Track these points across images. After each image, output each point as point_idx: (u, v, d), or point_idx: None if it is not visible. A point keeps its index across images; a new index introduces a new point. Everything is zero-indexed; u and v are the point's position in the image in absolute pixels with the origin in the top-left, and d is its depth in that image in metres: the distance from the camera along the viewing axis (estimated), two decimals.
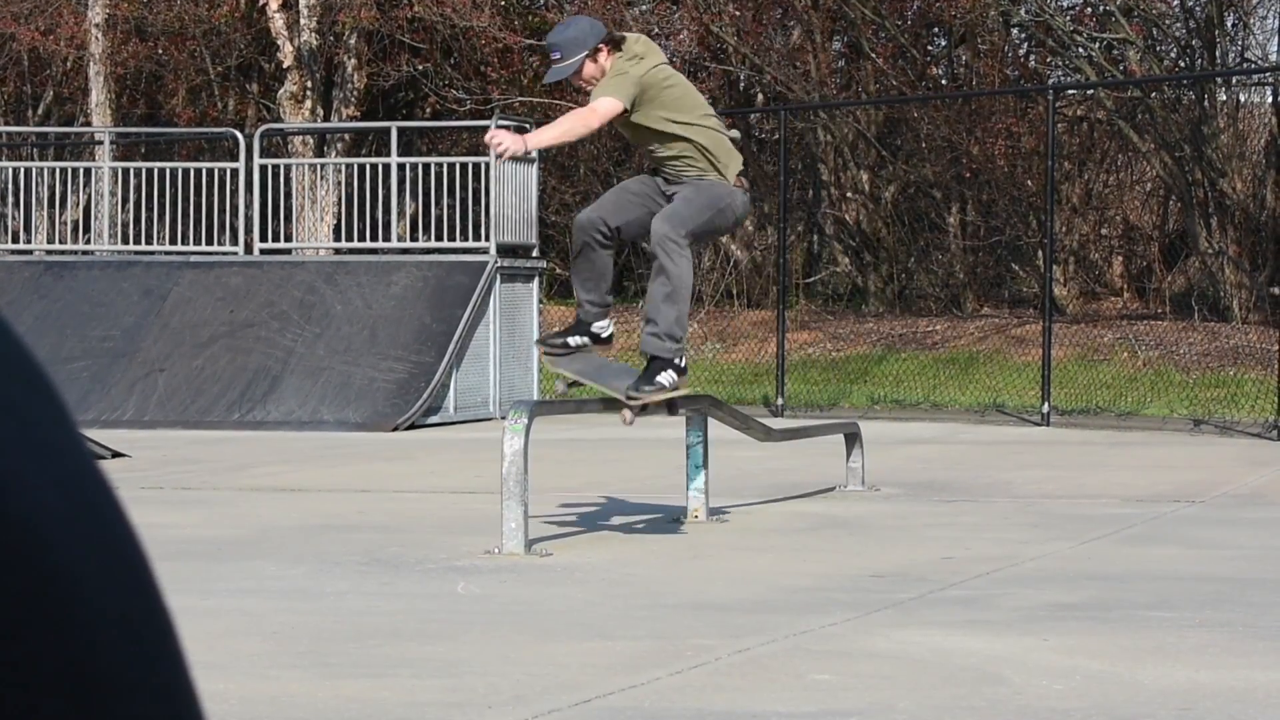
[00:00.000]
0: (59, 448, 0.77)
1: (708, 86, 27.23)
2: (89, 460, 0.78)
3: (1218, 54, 24.74)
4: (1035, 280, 23.96)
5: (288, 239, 21.57)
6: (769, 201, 25.67)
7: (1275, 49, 26.64)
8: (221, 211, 20.97)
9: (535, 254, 20.00)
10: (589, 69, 9.19)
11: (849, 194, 26.44)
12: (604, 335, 9.52)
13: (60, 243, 21.75)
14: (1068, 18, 25.44)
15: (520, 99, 27.41)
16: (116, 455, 13.88)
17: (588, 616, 6.84)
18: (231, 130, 22.59)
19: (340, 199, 23.19)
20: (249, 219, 20.63)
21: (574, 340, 9.49)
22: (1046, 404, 18.53)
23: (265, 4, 27.05)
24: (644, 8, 28.05)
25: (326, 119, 27.56)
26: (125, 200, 21.54)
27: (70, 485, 0.76)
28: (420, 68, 28.46)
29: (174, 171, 21.26)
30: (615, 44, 9.25)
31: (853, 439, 11.72)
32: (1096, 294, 25.10)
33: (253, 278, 19.25)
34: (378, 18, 27.17)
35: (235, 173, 20.85)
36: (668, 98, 9.22)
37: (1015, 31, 26.99)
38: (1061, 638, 6.38)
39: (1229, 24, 24.85)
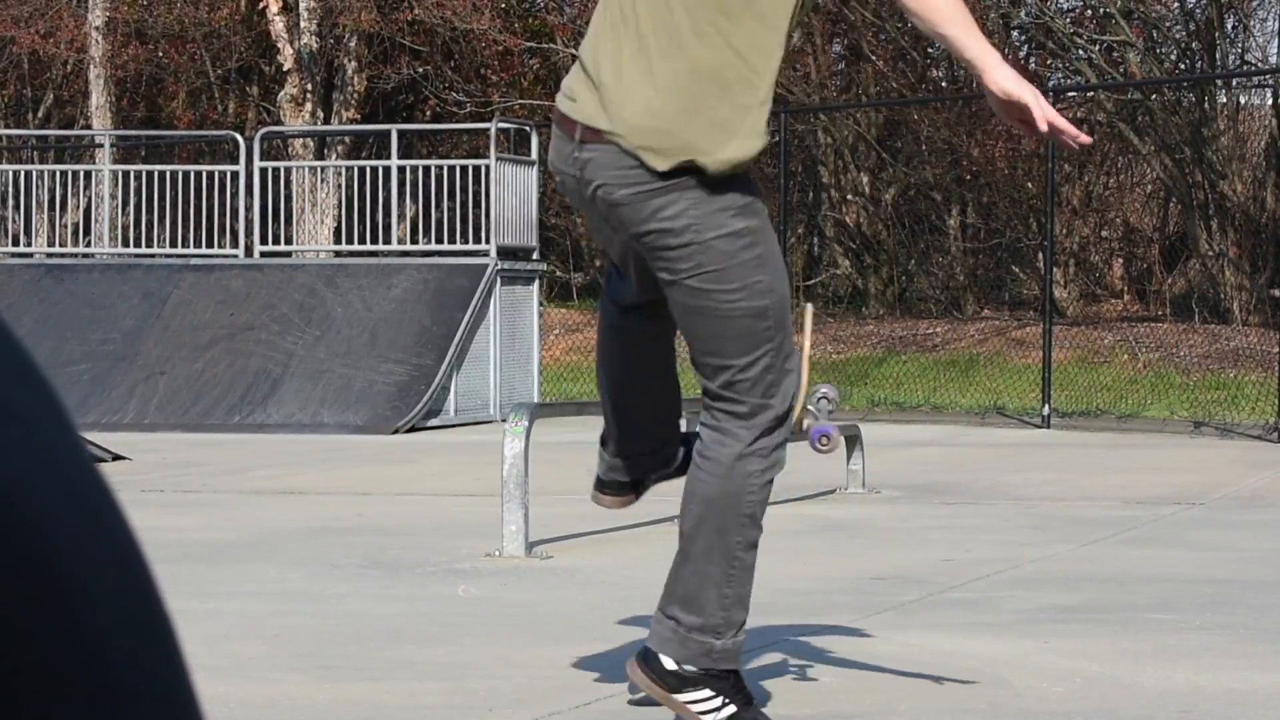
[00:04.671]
0: (63, 452, 0.77)
1: None
2: (91, 465, 0.78)
3: (1217, 56, 24.74)
4: (1035, 282, 23.95)
5: (288, 242, 21.57)
6: (769, 204, 25.67)
7: (1275, 51, 26.68)
8: (222, 214, 20.97)
9: (535, 256, 20.00)
10: None
11: (849, 196, 26.45)
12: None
13: (60, 246, 21.76)
14: (1067, 20, 25.45)
15: (520, 102, 27.41)
16: (117, 458, 13.87)
17: (589, 619, 6.84)
18: (232, 133, 22.59)
19: (340, 202, 23.20)
20: (249, 222, 20.63)
21: None
22: (1047, 406, 18.53)
23: (265, 7, 27.04)
24: None
25: (326, 122, 27.56)
26: (125, 203, 21.55)
27: (74, 490, 0.76)
28: (420, 70, 28.46)
29: (174, 174, 21.26)
30: None
31: (853, 441, 11.71)
32: (1097, 296, 25.10)
33: (253, 280, 19.25)
34: (378, 20, 27.17)
35: (235, 175, 20.85)
36: None
37: (1015, 34, 26.99)
38: (1062, 640, 6.37)
39: (1229, 26, 24.86)
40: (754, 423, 4.64)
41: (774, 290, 4.59)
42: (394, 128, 20.63)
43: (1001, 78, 4.53)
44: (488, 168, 19.33)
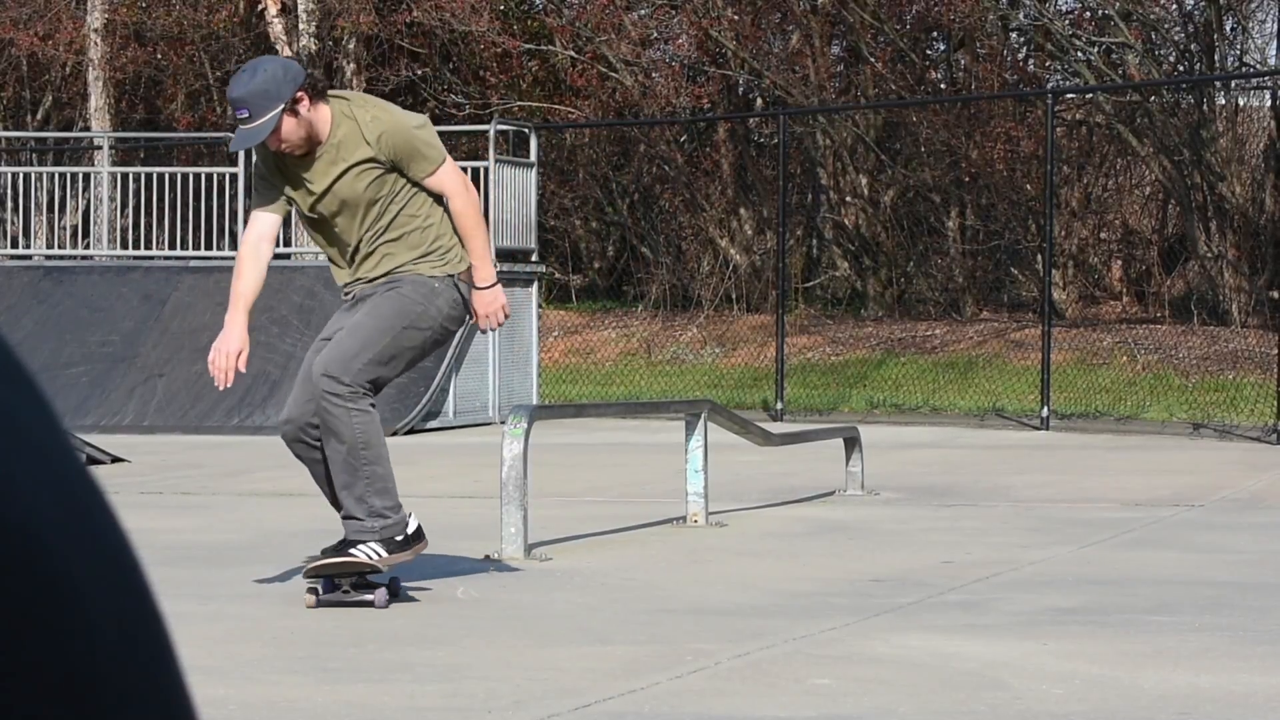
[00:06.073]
0: (51, 452, 0.76)
1: (707, 91, 27.25)
2: (80, 465, 0.78)
3: (1216, 58, 24.74)
4: (1034, 284, 23.96)
5: (286, 244, 21.56)
6: (768, 206, 25.66)
7: (1274, 53, 26.67)
8: (221, 216, 20.97)
9: (534, 258, 19.99)
10: (288, 125, 7.37)
11: (848, 198, 26.44)
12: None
13: (60, 248, 21.75)
14: (1066, 22, 25.45)
15: (519, 104, 27.40)
16: (116, 460, 13.86)
17: (587, 621, 6.84)
18: (230, 135, 22.55)
19: None
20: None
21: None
22: (1046, 408, 18.53)
23: (264, 9, 27.04)
24: (643, 12, 28.05)
25: None
26: (124, 205, 21.54)
27: (64, 490, 0.76)
28: (419, 73, 28.46)
29: (173, 176, 21.25)
30: (318, 91, 7.35)
31: (852, 443, 11.71)
32: (1096, 298, 25.10)
33: None
34: (376, 22, 27.17)
35: (234, 177, 20.84)
36: None
37: (1014, 35, 26.99)
38: (1061, 642, 6.37)
39: (1227, 28, 24.86)
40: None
41: None
42: None
43: (483, 283, 7.58)
44: (486, 169, 19.32)
